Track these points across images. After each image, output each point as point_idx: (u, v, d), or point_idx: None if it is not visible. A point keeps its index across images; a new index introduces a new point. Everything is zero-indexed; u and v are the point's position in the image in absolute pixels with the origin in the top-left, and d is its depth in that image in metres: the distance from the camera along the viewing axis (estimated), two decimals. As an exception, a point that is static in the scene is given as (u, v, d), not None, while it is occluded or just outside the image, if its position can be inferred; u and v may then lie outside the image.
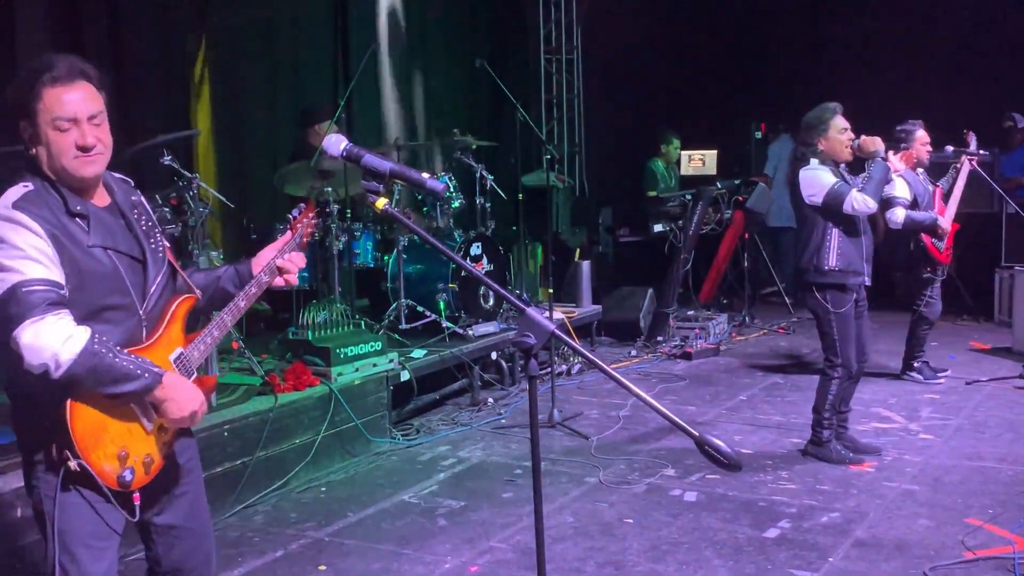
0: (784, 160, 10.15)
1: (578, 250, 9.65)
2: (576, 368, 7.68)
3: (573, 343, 2.55)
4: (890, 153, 5.39)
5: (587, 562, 4.20)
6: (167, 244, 2.74)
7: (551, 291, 7.37)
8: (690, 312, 9.29)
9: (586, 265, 8.81)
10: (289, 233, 2.91)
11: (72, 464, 2.38)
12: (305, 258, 2.94)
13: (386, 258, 7.05)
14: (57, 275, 2.38)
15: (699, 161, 10.03)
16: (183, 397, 2.52)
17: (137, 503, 2.53)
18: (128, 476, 2.47)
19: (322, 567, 4.23)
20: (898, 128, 6.79)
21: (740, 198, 9.58)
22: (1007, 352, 7.99)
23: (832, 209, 5.21)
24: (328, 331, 5.95)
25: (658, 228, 9.45)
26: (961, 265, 8.99)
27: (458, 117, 9.74)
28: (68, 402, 2.37)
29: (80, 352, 2.32)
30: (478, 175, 7.61)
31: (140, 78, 7.00)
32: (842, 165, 5.35)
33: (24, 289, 2.32)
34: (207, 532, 2.86)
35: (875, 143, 5.30)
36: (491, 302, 7.38)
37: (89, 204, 2.51)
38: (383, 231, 7.12)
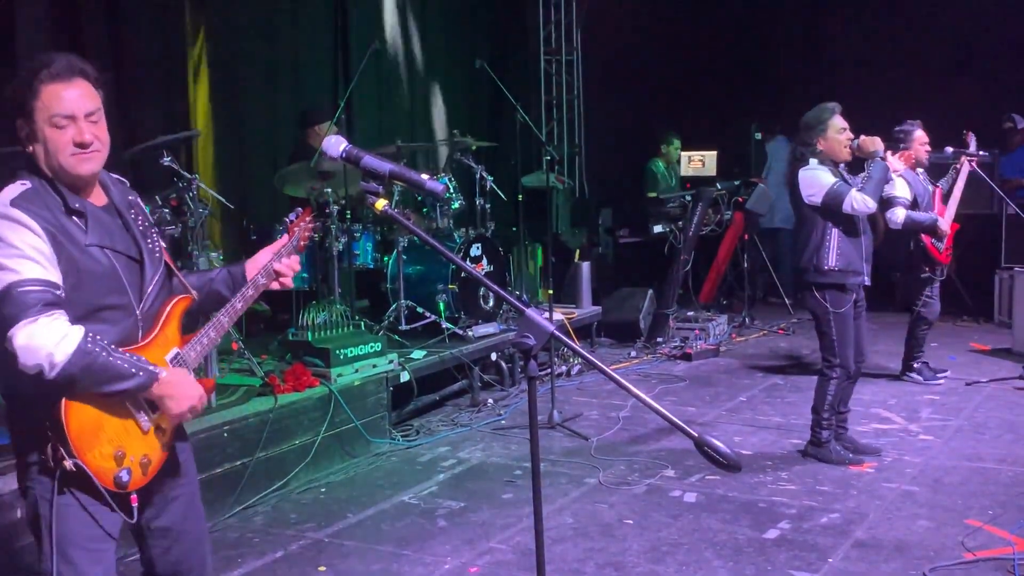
0: (779, 161, 10.15)
1: (578, 251, 9.65)
2: (576, 369, 7.68)
3: (573, 344, 2.54)
4: (888, 153, 5.39)
5: (587, 563, 4.20)
6: (163, 244, 2.74)
7: (551, 292, 7.36)
8: (690, 313, 9.29)
9: (586, 266, 8.81)
10: (286, 236, 2.89)
11: (68, 464, 2.37)
12: (300, 262, 2.94)
13: (386, 259, 7.05)
14: (53, 275, 2.38)
15: (699, 162, 10.02)
16: (181, 393, 2.52)
17: (135, 505, 2.52)
18: (125, 477, 2.46)
19: (322, 568, 4.23)
20: (896, 128, 6.79)
21: (740, 199, 9.57)
22: (1007, 353, 7.99)
23: (832, 209, 5.21)
24: (328, 332, 5.95)
25: (658, 229, 9.44)
26: (961, 266, 9.00)
27: (458, 118, 9.75)
28: (63, 401, 2.37)
29: (74, 352, 2.32)
30: (478, 176, 7.61)
31: (140, 78, 7.00)
32: (841, 165, 5.35)
33: (19, 289, 2.32)
34: (202, 536, 2.85)
35: (874, 143, 5.30)
36: (491, 303, 7.38)
37: (87, 203, 2.51)
38: (383, 232, 7.12)
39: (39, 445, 2.43)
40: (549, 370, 6.76)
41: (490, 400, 6.85)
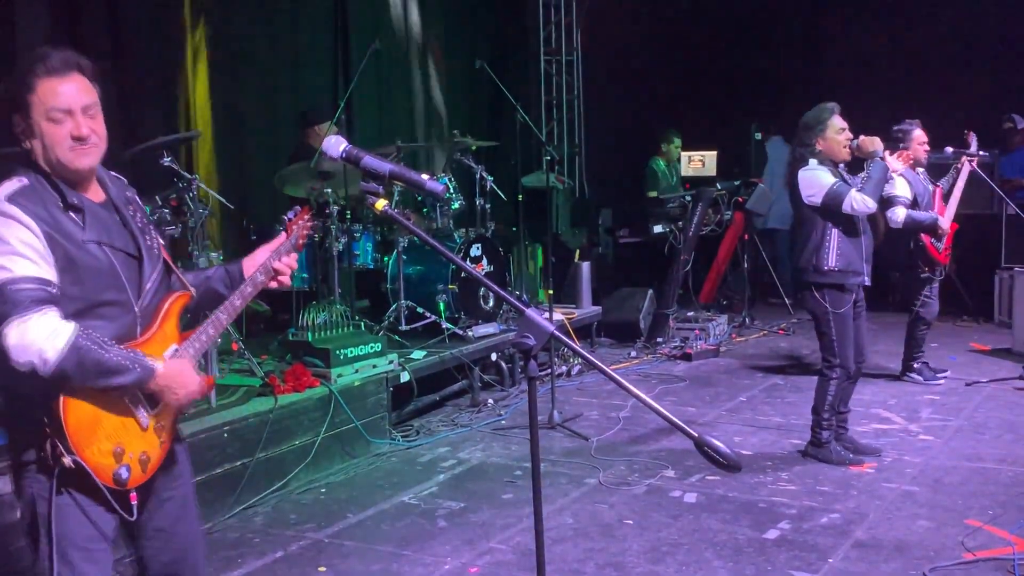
0: (775, 161, 10.15)
1: (578, 251, 9.65)
2: (576, 369, 7.68)
3: (573, 344, 2.54)
4: (887, 153, 5.39)
5: (587, 563, 4.20)
6: (162, 241, 2.73)
7: (551, 292, 7.36)
8: (690, 313, 9.29)
9: (586, 266, 8.81)
10: (284, 235, 2.88)
11: (67, 460, 2.36)
12: (299, 261, 2.93)
13: (386, 259, 7.05)
14: (47, 272, 2.37)
15: (699, 162, 10.02)
16: (180, 383, 2.53)
17: (135, 503, 2.51)
18: (124, 474, 2.46)
19: (322, 568, 4.23)
20: (895, 128, 6.79)
21: (740, 199, 9.57)
22: (1007, 353, 7.99)
23: (831, 209, 5.21)
24: (328, 332, 5.95)
25: (658, 229, 9.44)
26: (961, 266, 9.00)
27: (458, 118, 9.75)
28: (62, 397, 2.36)
29: (66, 347, 2.31)
30: (478, 176, 7.61)
31: (140, 79, 7.00)
32: (841, 165, 5.35)
33: (11, 287, 2.31)
34: (196, 538, 2.83)
35: (874, 143, 5.30)
36: (491, 303, 7.38)
37: (85, 198, 2.50)
38: (383, 232, 7.12)
39: (37, 443, 2.42)
40: (549, 370, 6.76)
41: (490, 400, 6.85)
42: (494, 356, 7.08)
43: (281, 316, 6.90)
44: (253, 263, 2.82)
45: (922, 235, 6.84)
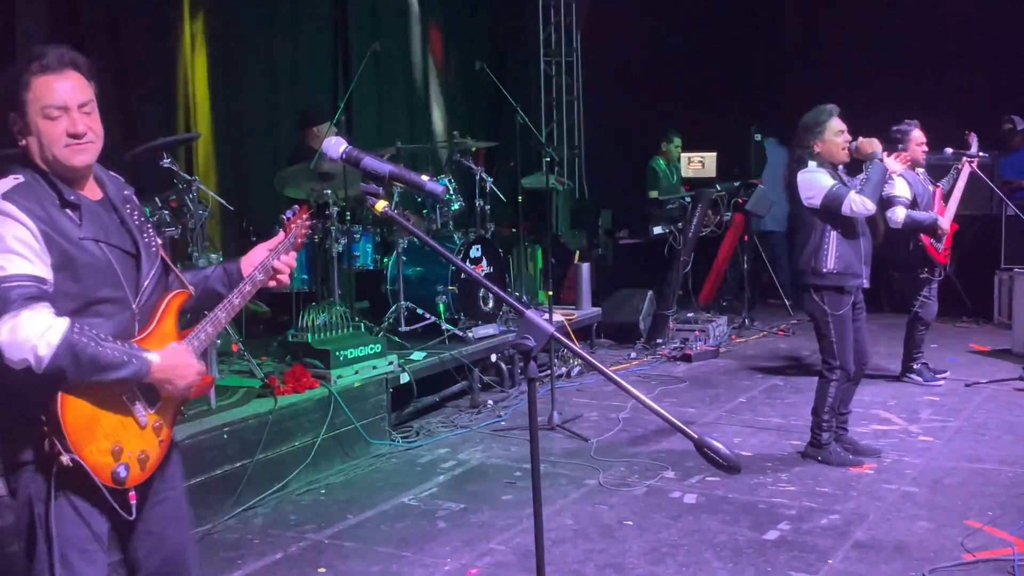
0: (772, 163, 10.17)
1: (578, 252, 9.66)
2: (576, 370, 7.68)
3: (572, 345, 2.55)
4: (884, 154, 5.39)
5: (587, 564, 4.20)
6: (160, 240, 2.72)
7: (551, 293, 7.36)
8: (690, 314, 9.29)
9: (586, 267, 8.82)
10: (282, 234, 2.87)
11: (64, 459, 2.34)
12: (299, 263, 2.93)
13: (386, 260, 7.05)
14: (41, 270, 2.36)
15: (698, 163, 10.03)
16: (178, 373, 2.52)
17: (133, 502, 2.49)
18: (123, 472, 2.44)
19: (321, 569, 4.23)
20: (894, 128, 6.78)
21: (739, 200, 9.58)
22: (1007, 354, 7.99)
23: (830, 211, 5.21)
24: (328, 333, 5.95)
25: (657, 230, 9.45)
26: (961, 267, 9.00)
27: (458, 119, 9.75)
28: (59, 395, 2.35)
29: (59, 343, 2.29)
30: (478, 177, 7.62)
31: (140, 80, 7.00)
32: (840, 167, 5.35)
33: (3, 285, 2.31)
34: (187, 542, 2.81)
35: (872, 145, 5.31)
36: (491, 304, 7.38)
37: (82, 196, 2.50)
38: (383, 233, 7.12)
39: (33, 443, 2.40)
40: (549, 371, 6.76)
41: (490, 401, 6.85)
42: (494, 357, 7.08)
43: (281, 317, 6.90)
44: (251, 262, 2.81)
45: (922, 236, 6.84)
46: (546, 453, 5.66)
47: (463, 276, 6.96)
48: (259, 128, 8.08)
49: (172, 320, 2.63)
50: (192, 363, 2.57)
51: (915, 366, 7.21)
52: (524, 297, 8.26)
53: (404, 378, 6.15)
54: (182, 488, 2.79)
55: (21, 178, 2.43)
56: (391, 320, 6.83)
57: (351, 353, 5.83)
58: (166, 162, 5.50)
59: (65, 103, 2.43)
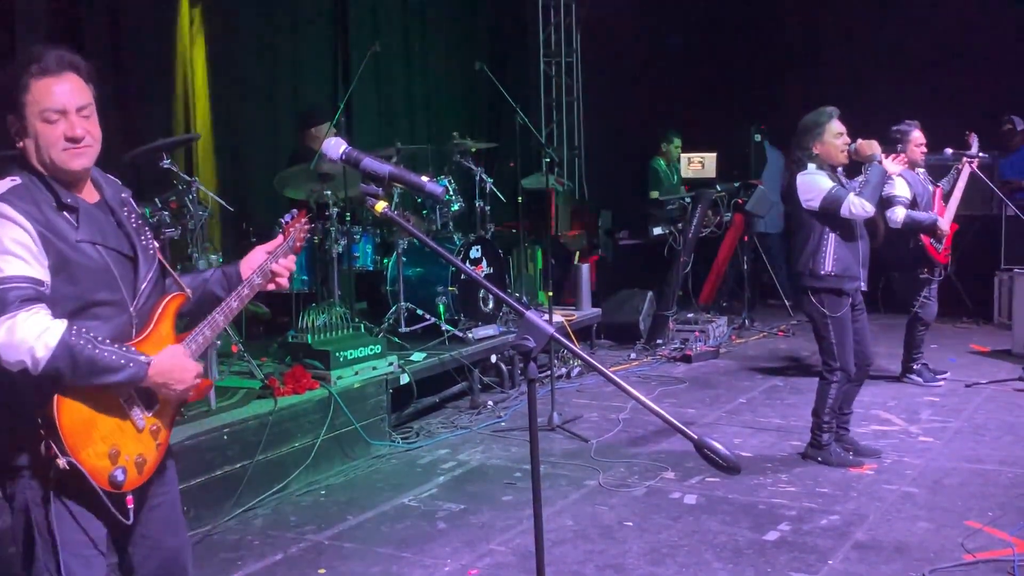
0: (771, 165, 10.17)
1: (577, 253, 9.65)
2: (576, 371, 7.68)
3: (572, 346, 2.55)
4: (882, 156, 5.38)
5: (587, 565, 4.20)
6: (157, 243, 2.72)
7: (551, 293, 7.36)
8: (690, 315, 9.29)
9: (585, 268, 8.82)
10: (281, 237, 2.86)
11: (61, 462, 2.32)
12: (298, 263, 2.92)
13: (385, 261, 7.05)
14: (38, 271, 2.35)
15: (698, 164, 10.03)
16: (175, 377, 2.50)
17: (131, 506, 2.48)
18: (120, 476, 2.43)
19: (321, 571, 4.23)
20: (894, 128, 6.77)
21: (739, 201, 9.58)
22: (1007, 354, 7.99)
23: (829, 213, 5.21)
24: (327, 334, 5.95)
25: (657, 231, 9.44)
26: (961, 267, 9.00)
27: (458, 120, 9.75)
28: (55, 397, 2.34)
29: (56, 345, 2.28)
30: (477, 178, 7.62)
31: (139, 81, 7.00)
32: (839, 169, 5.35)
33: (0, 287, 2.30)
34: (183, 544, 2.80)
35: (871, 147, 5.30)
36: (491, 305, 7.38)
37: (79, 198, 2.49)
38: (383, 234, 7.12)
39: (29, 447, 2.39)
40: (549, 372, 6.76)
41: (490, 402, 6.85)
42: (494, 358, 7.08)
43: (281, 318, 6.90)
44: (250, 265, 2.80)
45: (921, 236, 6.84)
46: (546, 454, 5.66)
47: (463, 277, 6.95)
48: (259, 129, 8.08)
49: (169, 323, 2.62)
50: (189, 366, 2.55)
51: (915, 367, 7.21)
52: (524, 298, 8.26)
53: (404, 379, 6.15)
54: (177, 493, 2.78)
55: (18, 180, 2.42)
56: (391, 321, 6.83)
57: (351, 354, 5.83)
58: (166, 163, 5.50)
59: (64, 106, 2.42)
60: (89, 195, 2.55)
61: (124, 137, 6.29)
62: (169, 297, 2.65)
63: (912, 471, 5.31)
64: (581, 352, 2.56)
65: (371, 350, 5.98)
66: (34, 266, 2.35)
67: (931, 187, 6.97)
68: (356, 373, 5.83)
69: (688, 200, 9.40)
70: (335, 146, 2.55)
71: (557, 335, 2.32)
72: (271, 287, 2.82)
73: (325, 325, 5.98)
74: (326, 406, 5.49)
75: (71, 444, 2.35)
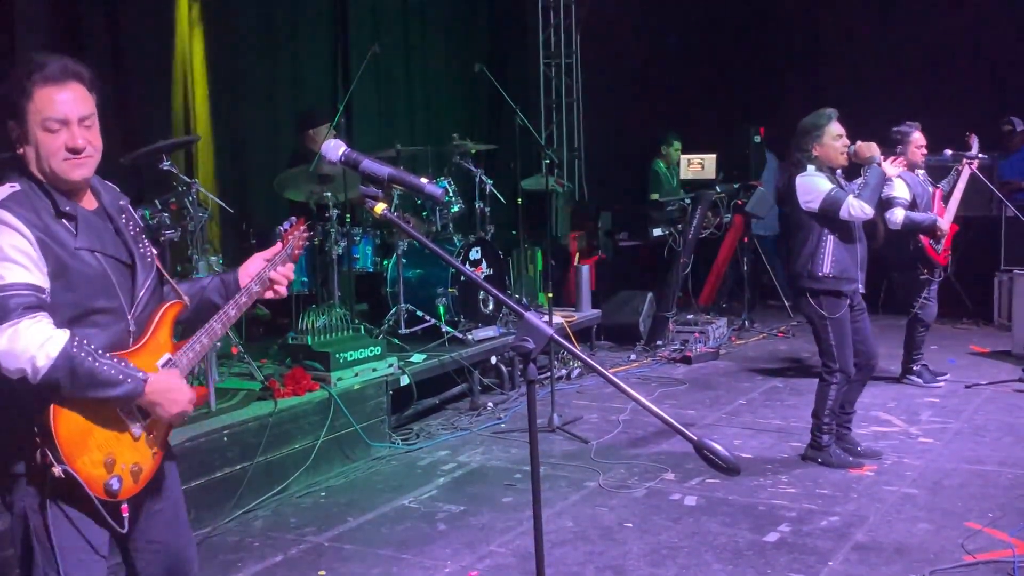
0: (771, 167, 10.17)
1: (577, 254, 9.65)
2: (576, 372, 7.68)
3: (572, 347, 2.55)
4: (881, 158, 5.38)
5: (587, 566, 4.20)
6: (155, 251, 2.71)
7: (551, 295, 7.36)
8: (689, 316, 9.29)
9: (585, 269, 8.81)
10: (279, 245, 2.85)
11: (56, 470, 2.31)
12: (299, 265, 2.92)
13: (385, 263, 7.05)
14: (38, 278, 2.35)
15: (698, 165, 10.02)
16: (169, 398, 2.49)
17: (126, 515, 2.47)
18: (116, 484, 2.41)
19: (322, 572, 4.23)
20: (894, 129, 6.77)
21: (739, 202, 9.58)
22: (1007, 355, 7.99)
23: (828, 215, 5.21)
24: (327, 336, 5.95)
25: (657, 232, 9.44)
26: (961, 268, 9.00)
27: (457, 121, 9.75)
28: (52, 406, 2.33)
29: (58, 355, 2.28)
30: (477, 179, 7.62)
31: (139, 83, 7.00)
32: (838, 171, 5.35)
33: (2, 294, 2.29)
34: (188, 547, 2.80)
35: (870, 149, 5.30)
36: (491, 306, 7.38)
37: (78, 206, 2.48)
38: (382, 236, 7.12)
39: (25, 454, 2.38)
40: (549, 373, 6.76)
41: (490, 404, 6.85)
42: (494, 359, 7.09)
43: (281, 320, 6.90)
44: (248, 272, 2.79)
45: (921, 237, 6.84)
46: (546, 455, 5.66)
47: (463, 278, 6.95)
48: (259, 130, 8.07)
49: (167, 331, 2.61)
50: (185, 391, 2.54)
51: (915, 368, 7.21)
52: (524, 299, 8.26)
53: (404, 380, 6.15)
54: (180, 496, 2.78)
55: (17, 187, 2.41)
56: (391, 322, 6.83)
57: (351, 355, 5.83)
58: (166, 165, 5.49)
59: (66, 116, 2.41)
60: (88, 202, 2.54)
61: (124, 138, 6.29)
62: (167, 305, 2.64)
63: (912, 472, 5.30)
64: (581, 353, 2.57)
65: (371, 352, 5.98)
66: (35, 273, 2.34)
67: (931, 188, 6.97)
68: (356, 375, 5.83)
69: (688, 201, 9.40)
70: (334, 148, 2.55)
71: (556, 336, 2.32)
72: (269, 295, 2.81)
73: (325, 327, 5.98)
74: (326, 408, 5.49)
75: (67, 452, 2.34)
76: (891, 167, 5.46)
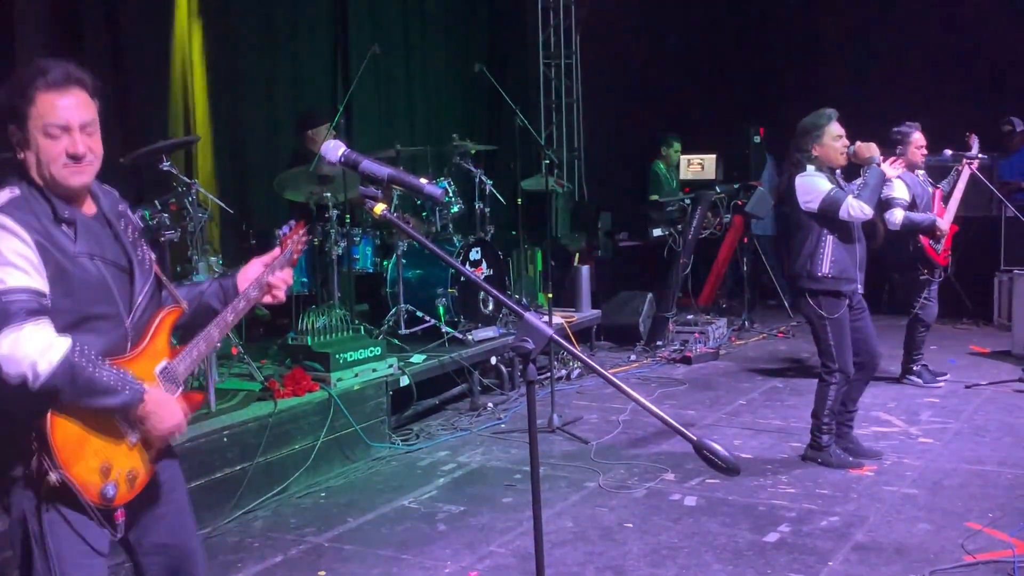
0: (771, 167, 10.17)
1: (577, 255, 9.65)
2: (575, 373, 7.68)
3: (572, 348, 2.55)
4: (881, 159, 5.37)
5: (587, 567, 4.20)
6: (153, 256, 2.71)
7: (551, 295, 7.36)
8: (689, 316, 9.28)
9: (585, 269, 8.81)
10: (278, 249, 2.85)
11: (52, 477, 2.31)
12: (298, 267, 2.91)
13: (385, 263, 7.05)
14: (39, 283, 2.34)
15: (698, 165, 10.03)
16: (164, 413, 2.49)
17: (120, 520, 2.47)
18: (111, 491, 2.41)
19: (322, 573, 4.23)
20: (894, 130, 6.77)
21: (739, 202, 9.58)
22: (1007, 355, 7.99)
23: (828, 215, 5.21)
24: (327, 336, 5.95)
25: (657, 232, 9.45)
26: (961, 268, 9.00)
27: (457, 122, 9.75)
28: (49, 413, 2.32)
29: (59, 362, 2.28)
30: (477, 180, 7.62)
31: (139, 83, 7.00)
32: (838, 171, 5.35)
33: (4, 298, 2.29)
34: (194, 549, 2.79)
35: (870, 149, 5.30)
36: (490, 307, 7.38)
37: (77, 212, 2.48)
38: (382, 236, 7.12)
39: (24, 459, 2.37)
40: (549, 374, 6.76)
41: (490, 404, 6.85)
42: (494, 360, 7.08)
43: (281, 320, 6.90)
44: (246, 277, 2.79)
45: (920, 237, 6.84)
46: (546, 455, 5.66)
47: (463, 279, 6.95)
48: (259, 130, 8.08)
49: (165, 337, 2.61)
50: (178, 411, 2.54)
51: (915, 368, 7.21)
52: (524, 299, 8.26)
53: (404, 381, 6.15)
54: (184, 498, 2.78)
55: (17, 191, 2.41)
56: (391, 323, 6.83)
57: (351, 356, 5.82)
58: (165, 165, 5.49)
59: (67, 122, 2.40)
60: (87, 208, 2.54)
61: (123, 139, 6.29)
62: (165, 311, 2.63)
63: (912, 472, 5.30)
64: (580, 354, 2.57)
65: (371, 352, 5.98)
66: (35, 278, 2.34)
67: (931, 188, 6.97)
68: (356, 375, 5.83)
69: (688, 201, 9.40)
70: (334, 148, 2.55)
71: (556, 337, 2.32)
72: (268, 299, 2.81)
73: (325, 327, 5.98)
74: (326, 408, 5.49)
75: (63, 459, 2.34)
76: (890, 168, 5.46)
